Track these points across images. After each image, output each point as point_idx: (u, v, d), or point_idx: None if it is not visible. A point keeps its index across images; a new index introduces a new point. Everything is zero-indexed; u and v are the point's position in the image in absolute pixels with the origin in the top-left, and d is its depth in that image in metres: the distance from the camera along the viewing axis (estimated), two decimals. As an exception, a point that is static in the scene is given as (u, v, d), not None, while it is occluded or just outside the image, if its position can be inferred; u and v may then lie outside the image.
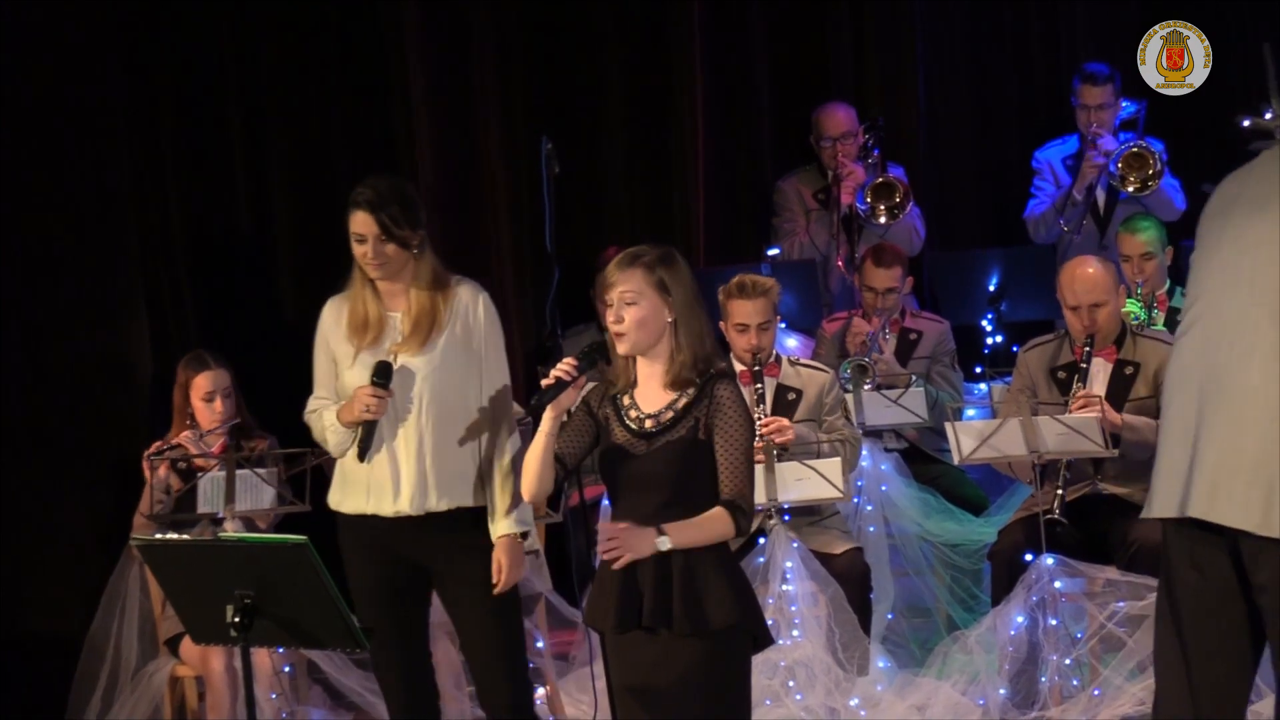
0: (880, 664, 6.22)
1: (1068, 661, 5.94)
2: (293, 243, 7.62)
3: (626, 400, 4.45)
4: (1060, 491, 6.10)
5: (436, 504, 4.98)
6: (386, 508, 5.00)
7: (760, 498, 5.92)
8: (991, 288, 7.85)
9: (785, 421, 6.14)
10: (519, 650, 5.13)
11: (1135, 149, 7.80)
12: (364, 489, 5.03)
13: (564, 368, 4.42)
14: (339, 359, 5.08)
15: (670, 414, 4.39)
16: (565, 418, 4.50)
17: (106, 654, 6.38)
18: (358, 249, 5.00)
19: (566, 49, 8.24)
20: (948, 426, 6.15)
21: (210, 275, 7.53)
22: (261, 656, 5.94)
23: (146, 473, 6.13)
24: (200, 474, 6.10)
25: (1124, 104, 7.96)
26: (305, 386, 5.14)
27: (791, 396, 6.32)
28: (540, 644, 6.32)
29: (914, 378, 7.09)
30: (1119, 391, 6.21)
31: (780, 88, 8.61)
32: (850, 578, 6.12)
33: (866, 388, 7.00)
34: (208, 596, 4.22)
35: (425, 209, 5.10)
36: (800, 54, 8.66)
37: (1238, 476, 3.79)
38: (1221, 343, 3.89)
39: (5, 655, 6.64)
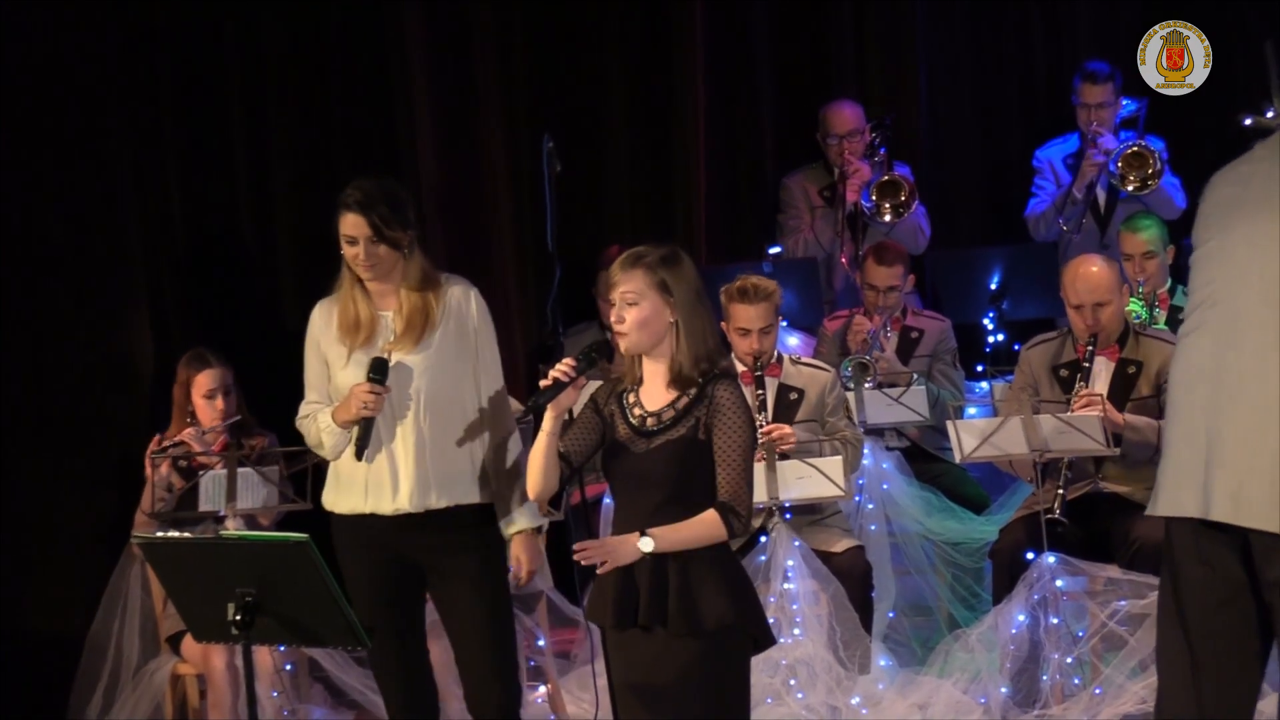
0: (881, 662, 6.22)
1: (1069, 660, 5.94)
2: (294, 242, 7.61)
3: (632, 398, 4.46)
4: (1061, 490, 6.10)
5: (436, 501, 4.98)
6: (386, 506, 4.99)
7: (762, 496, 5.92)
8: (993, 286, 7.85)
9: (788, 429, 6.13)
10: (510, 651, 5.14)
11: (1135, 148, 7.80)
12: (361, 488, 5.02)
13: (562, 368, 4.43)
14: (331, 360, 5.07)
15: (671, 413, 4.39)
16: (567, 417, 4.50)
17: (108, 652, 6.39)
18: (349, 251, 4.98)
19: (568, 47, 8.24)
20: (949, 425, 6.15)
21: (212, 274, 7.53)
22: (263, 654, 5.94)
23: (148, 470, 6.13)
24: (202, 472, 6.10)
25: (1124, 103, 7.97)
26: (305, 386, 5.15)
27: (794, 396, 6.32)
28: (541, 642, 6.32)
29: (915, 376, 7.09)
30: (1121, 391, 6.21)
31: (782, 87, 8.61)
32: (851, 576, 6.12)
33: (868, 386, 7.00)
34: (209, 594, 4.22)
35: (427, 208, 5.11)
36: (802, 53, 8.66)
37: (1262, 477, 3.77)
38: (1234, 343, 3.86)
39: (6, 653, 6.64)
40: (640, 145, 8.36)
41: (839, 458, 6.08)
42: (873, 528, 6.74)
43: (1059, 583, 5.93)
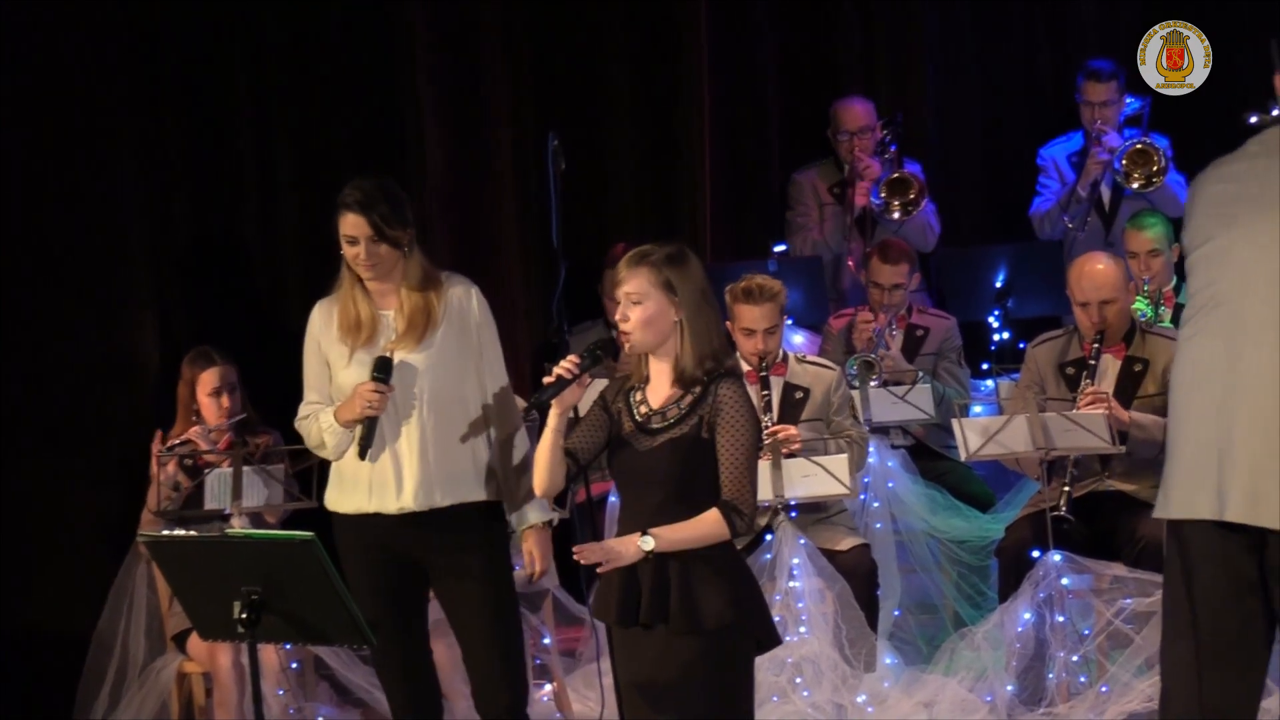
0: (887, 660, 6.22)
1: (1075, 658, 5.93)
2: (299, 241, 7.60)
3: (638, 396, 4.46)
4: (1067, 488, 6.09)
5: (441, 500, 4.97)
6: (390, 505, 4.98)
7: (767, 494, 5.92)
8: (998, 284, 7.84)
9: (793, 430, 6.13)
10: (517, 649, 5.11)
11: (1139, 146, 7.80)
12: (365, 487, 5.01)
13: (566, 365, 4.42)
14: (333, 360, 5.06)
15: (675, 411, 4.38)
16: (573, 415, 4.50)
17: (114, 650, 6.38)
18: (349, 251, 4.97)
19: (573, 45, 8.24)
20: (954, 423, 6.15)
21: (215, 273, 7.53)
22: (268, 653, 5.95)
23: (154, 469, 6.13)
24: (207, 470, 6.10)
25: (1128, 100, 7.96)
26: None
27: (799, 395, 6.31)
28: (547, 640, 6.32)
29: (920, 374, 7.08)
30: (1127, 388, 6.20)
31: (788, 85, 8.61)
32: (857, 574, 6.11)
33: (873, 384, 7.00)
34: (215, 593, 4.22)
35: (432, 206, 5.10)
36: (808, 50, 8.65)
37: (1278, 478, 3.77)
38: (1243, 345, 3.83)
39: (12, 651, 6.64)
40: (645, 143, 8.35)
41: (844, 456, 6.08)
42: (878, 526, 6.74)
43: (1065, 581, 5.93)
